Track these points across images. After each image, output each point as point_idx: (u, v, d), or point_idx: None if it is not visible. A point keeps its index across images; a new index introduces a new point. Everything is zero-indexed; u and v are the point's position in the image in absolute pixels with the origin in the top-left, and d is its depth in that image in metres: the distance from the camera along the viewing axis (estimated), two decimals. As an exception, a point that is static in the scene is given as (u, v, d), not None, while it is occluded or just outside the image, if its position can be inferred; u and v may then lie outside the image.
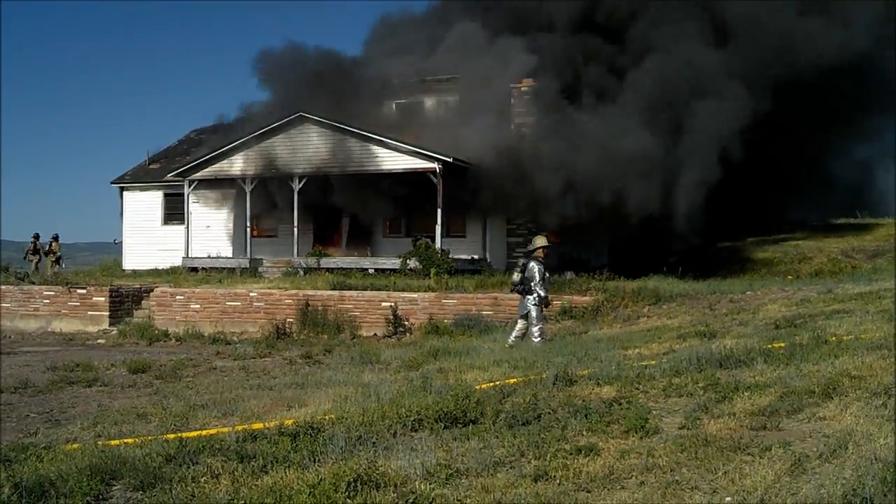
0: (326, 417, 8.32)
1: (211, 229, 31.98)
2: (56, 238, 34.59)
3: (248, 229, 29.58)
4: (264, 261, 28.89)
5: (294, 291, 23.14)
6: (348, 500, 5.55)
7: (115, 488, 6.41)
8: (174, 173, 30.37)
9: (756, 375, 8.81)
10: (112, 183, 35.04)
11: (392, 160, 27.24)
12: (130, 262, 33.16)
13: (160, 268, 30.68)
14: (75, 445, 8.04)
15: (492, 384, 9.92)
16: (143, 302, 24.82)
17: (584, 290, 21.04)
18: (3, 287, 26.04)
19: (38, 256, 33.69)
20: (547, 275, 15.75)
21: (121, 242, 34.54)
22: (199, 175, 29.96)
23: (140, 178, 34.34)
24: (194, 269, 29.02)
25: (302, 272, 26.88)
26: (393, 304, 21.54)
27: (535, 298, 15.35)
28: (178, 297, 24.12)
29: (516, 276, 15.71)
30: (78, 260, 33.80)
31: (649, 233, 26.46)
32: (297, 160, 28.48)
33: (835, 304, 15.20)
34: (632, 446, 6.63)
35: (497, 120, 27.72)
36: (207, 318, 23.28)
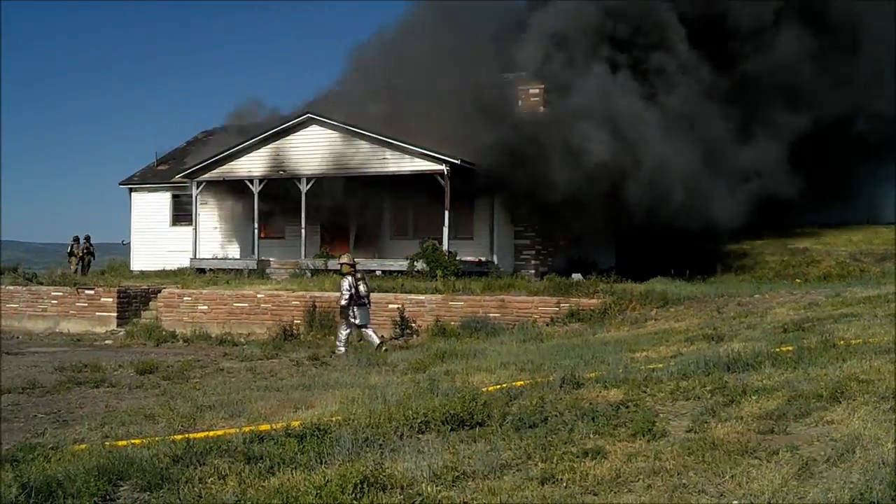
0: (333, 419, 8.33)
1: (218, 230, 32.07)
2: (88, 239, 34.86)
3: (256, 231, 29.62)
4: (272, 262, 28.93)
5: (301, 293, 23.15)
6: (355, 502, 5.55)
7: (122, 489, 6.43)
8: (182, 174, 30.45)
9: (764, 379, 8.79)
10: (121, 184, 35.17)
11: (399, 162, 27.26)
12: (138, 262, 33.26)
13: (168, 269, 30.77)
14: (83, 446, 8.06)
15: (499, 386, 9.92)
16: (150, 303, 24.88)
17: (592, 292, 21.00)
18: (10, 287, 26.12)
19: (78, 258, 33.97)
20: (359, 288, 18.19)
21: (129, 243, 34.65)
22: (207, 176, 30.02)
23: (148, 179, 34.45)
24: (202, 271, 29.08)
25: (309, 273, 26.91)
26: (400, 306, 21.55)
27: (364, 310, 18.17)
28: (185, 299, 24.17)
29: (362, 288, 18.27)
30: (86, 260, 33.85)
31: (657, 236, 26.44)
32: (304, 162, 28.53)
33: (843, 308, 15.16)
34: (639, 449, 6.62)
35: (504, 121, 27.71)
36: (215, 320, 23.32)
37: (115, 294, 24.59)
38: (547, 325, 19.52)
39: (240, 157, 29.41)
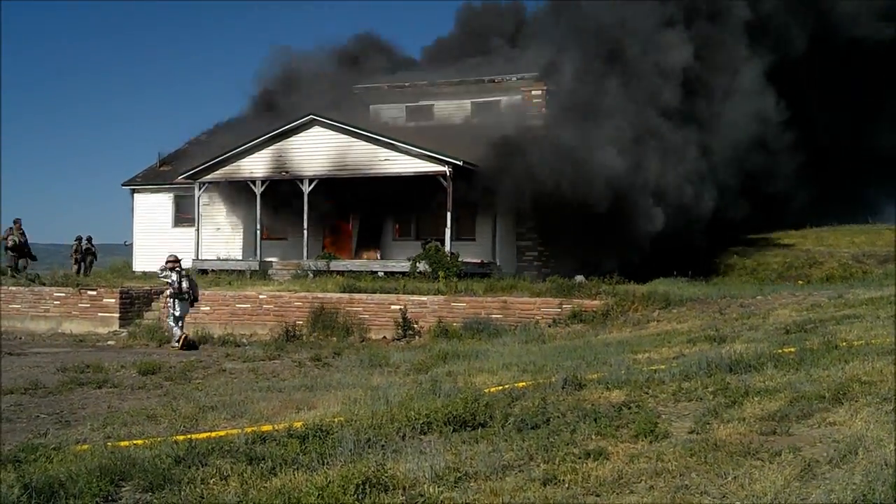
0: (335, 420, 8.34)
1: (221, 231, 32.07)
2: (89, 239, 34.82)
3: (258, 232, 29.63)
4: (274, 263, 28.95)
5: (304, 294, 23.17)
6: (357, 503, 5.55)
7: (124, 489, 6.43)
8: (184, 175, 30.44)
9: (766, 380, 8.79)
10: (123, 185, 35.16)
11: (402, 163, 27.25)
12: (141, 263, 33.23)
13: (170, 270, 30.72)
14: (85, 446, 8.07)
15: (501, 388, 9.93)
16: (153, 304, 24.89)
17: (594, 293, 21.01)
18: (13, 288, 26.14)
19: (80, 256, 33.97)
20: (181, 283, 20.53)
21: (131, 244, 34.64)
22: (209, 177, 30.03)
23: (151, 180, 34.45)
24: (204, 272, 29.07)
25: (311, 275, 26.92)
26: (402, 307, 21.55)
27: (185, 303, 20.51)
28: (187, 299, 24.14)
29: (185, 284, 20.56)
30: (88, 261, 33.87)
31: (659, 237, 26.41)
32: (307, 163, 28.53)
33: (845, 310, 15.15)
34: (641, 451, 6.62)
35: (508, 123, 27.72)
36: (217, 320, 23.33)
37: (117, 295, 24.61)
38: (549, 326, 19.53)
39: (242, 158, 29.41)
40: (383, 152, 27.45)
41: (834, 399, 7.59)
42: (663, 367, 10.44)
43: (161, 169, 34.83)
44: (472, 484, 6.03)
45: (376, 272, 26.63)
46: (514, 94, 29.35)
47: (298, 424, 8.15)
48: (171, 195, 33.44)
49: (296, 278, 26.84)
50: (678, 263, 24.75)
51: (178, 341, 20.10)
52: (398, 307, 21.59)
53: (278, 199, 29.60)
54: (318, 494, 5.66)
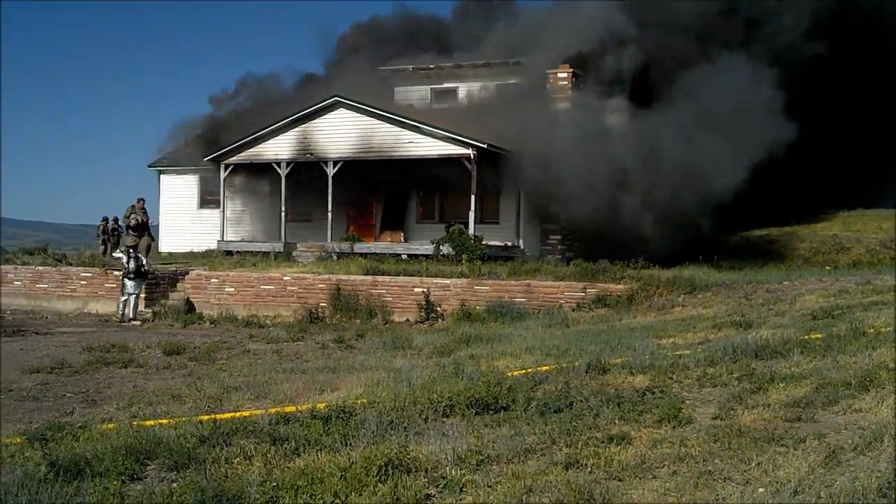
0: (358, 402, 8.36)
1: (246, 213, 32.21)
2: (116, 220, 35.01)
3: (283, 214, 29.70)
4: (298, 245, 29.03)
5: (327, 276, 23.23)
6: (379, 484, 5.57)
7: (149, 468, 6.49)
8: (209, 157, 30.53)
9: (792, 366, 8.74)
10: (149, 166, 35.36)
11: (426, 145, 27.20)
12: (166, 244, 33.46)
13: (196, 251, 30.94)
14: (111, 425, 8.15)
15: (524, 371, 9.92)
16: (178, 284, 25.05)
17: (619, 278, 20.92)
18: (40, 268, 26.39)
19: (106, 237, 34.22)
20: (129, 265, 22.62)
21: (157, 225, 34.87)
22: (234, 159, 30.12)
23: (176, 161, 34.60)
24: (229, 253, 29.23)
25: (335, 257, 26.98)
26: (425, 289, 21.56)
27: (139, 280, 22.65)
28: (212, 281, 24.32)
29: (132, 265, 22.53)
30: (113, 241, 34.15)
31: (685, 222, 26.26)
32: (331, 145, 28.55)
33: (873, 296, 15.01)
34: (664, 436, 6.59)
35: (533, 106, 27.60)
36: (241, 302, 23.45)
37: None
38: (573, 310, 19.48)
39: (267, 140, 29.47)
40: (408, 134, 27.41)
41: (860, 386, 7.53)
42: (688, 352, 10.40)
43: (187, 150, 34.94)
44: (494, 467, 6.03)
45: (400, 255, 26.66)
46: (540, 77, 29.12)
47: (322, 406, 8.19)
48: (197, 176, 33.59)
49: (320, 260, 26.91)
50: (702, 248, 24.62)
51: (123, 314, 22.38)
52: (421, 290, 21.61)
53: (303, 181, 29.66)
54: (341, 475, 5.68)
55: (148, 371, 13.21)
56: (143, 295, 23.36)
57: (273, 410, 8.18)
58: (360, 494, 5.44)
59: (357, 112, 28.15)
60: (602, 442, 6.44)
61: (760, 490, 5.23)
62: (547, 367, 10.02)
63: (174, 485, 5.86)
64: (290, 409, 8.28)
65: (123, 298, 22.57)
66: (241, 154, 29.91)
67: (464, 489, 5.61)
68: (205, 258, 28.61)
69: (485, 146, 26.14)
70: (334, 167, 28.31)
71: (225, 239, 30.44)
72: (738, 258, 26.63)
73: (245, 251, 29.08)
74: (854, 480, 5.11)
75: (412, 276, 22.56)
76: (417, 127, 27.11)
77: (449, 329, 18.20)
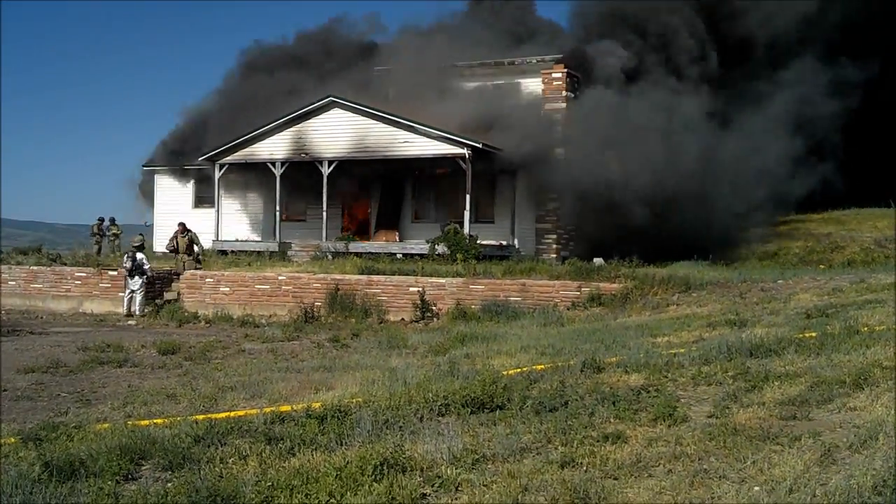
0: (353, 401, 8.35)
1: (240, 213, 32.19)
2: (113, 221, 35.07)
3: (278, 213, 29.70)
4: (293, 245, 29.03)
5: (322, 275, 23.21)
6: (374, 484, 5.56)
7: (144, 468, 6.48)
8: (204, 157, 30.53)
9: (786, 365, 8.75)
10: (144, 166, 35.33)
11: (421, 145, 27.21)
12: (161, 244, 33.38)
13: (190, 251, 30.87)
14: (105, 425, 8.13)
15: (519, 370, 9.92)
16: (173, 284, 25.02)
17: (613, 276, 20.92)
18: (35, 268, 26.34)
19: (99, 237, 34.21)
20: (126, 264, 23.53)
21: (152, 225, 34.84)
22: (229, 159, 30.12)
23: (171, 161, 34.56)
24: (224, 252, 29.22)
25: (330, 256, 26.98)
26: (420, 289, 21.54)
27: (144, 278, 23.40)
28: (207, 280, 24.29)
29: (128, 264, 23.33)
30: (112, 241, 34.15)
31: (679, 221, 26.30)
32: (326, 145, 28.56)
33: (867, 294, 15.04)
34: (660, 434, 6.59)
35: (527, 106, 27.63)
36: (237, 301, 23.43)
37: (138, 275, 24.70)
38: (568, 309, 19.48)
39: (262, 139, 29.47)
40: (403, 134, 27.42)
41: (855, 384, 7.54)
42: (683, 350, 10.41)
43: (182, 150, 34.88)
44: (489, 466, 6.03)
45: (395, 254, 26.66)
46: (534, 77, 29.14)
47: (317, 405, 8.18)
48: (192, 176, 33.56)
49: (315, 260, 26.90)
50: (698, 247, 24.62)
51: (128, 311, 23.16)
52: (416, 289, 21.59)
53: (298, 181, 29.68)
54: (337, 475, 5.68)
55: (143, 370, 13.19)
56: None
57: (268, 410, 8.17)
58: (356, 494, 5.44)
59: (352, 112, 28.17)
60: (597, 441, 6.44)
61: (756, 488, 5.24)
62: (542, 366, 10.02)
63: (169, 485, 5.85)
64: (285, 408, 8.27)
65: (128, 295, 23.30)
66: (236, 154, 29.90)
67: (459, 488, 5.60)
68: (200, 258, 28.53)
69: (479, 146, 26.15)
70: (329, 167, 28.30)
71: (220, 238, 30.41)
72: (735, 257, 26.68)
73: (240, 251, 29.07)
74: (849, 478, 5.12)
75: (407, 275, 22.55)
76: (412, 127, 27.11)
77: (444, 328, 18.20)
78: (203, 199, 33.24)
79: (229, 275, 24.28)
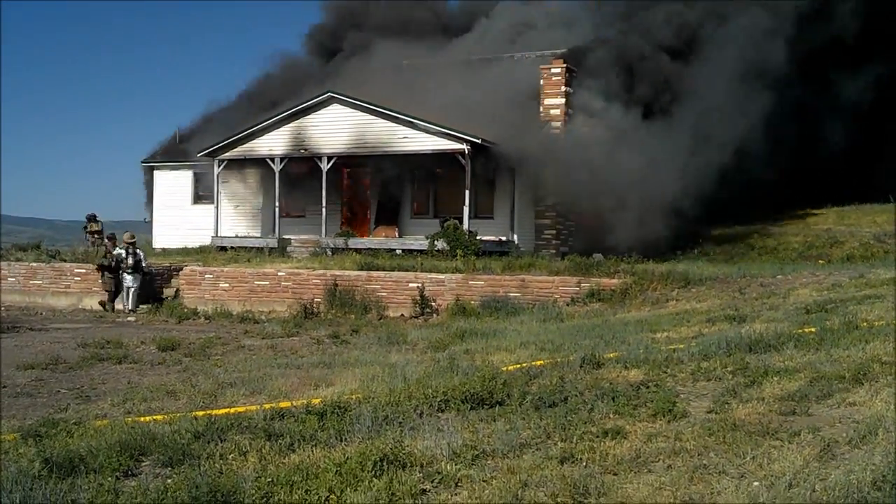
0: (353, 397, 8.36)
1: (240, 209, 32.15)
2: (93, 217, 34.08)
3: (277, 209, 29.66)
4: (292, 241, 28.99)
5: (322, 271, 23.20)
6: (374, 480, 5.57)
7: (143, 464, 6.49)
8: (203, 153, 30.48)
9: (786, 360, 8.76)
10: (143, 162, 35.29)
11: (421, 141, 27.19)
12: (160, 240, 33.41)
13: (190, 246, 30.88)
14: (105, 421, 8.13)
15: (518, 366, 9.93)
16: (172, 280, 25.01)
17: (613, 272, 20.92)
18: (34, 264, 26.33)
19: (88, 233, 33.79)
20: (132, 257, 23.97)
21: (151, 221, 34.79)
22: (228, 155, 30.08)
23: (170, 156, 34.53)
24: (223, 248, 29.18)
25: (330, 252, 26.95)
26: (420, 284, 21.55)
27: (140, 274, 23.91)
28: (207, 276, 24.28)
29: (130, 260, 23.68)
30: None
31: (679, 216, 26.31)
32: (326, 140, 28.52)
33: (866, 290, 15.05)
34: (659, 430, 6.60)
35: (526, 101, 27.62)
36: (236, 297, 23.42)
37: (137, 271, 24.70)
38: (567, 305, 19.49)
39: (261, 135, 29.42)
40: (402, 130, 27.38)
41: (854, 379, 7.55)
42: (682, 346, 10.42)
43: (180, 146, 34.90)
44: (489, 462, 6.04)
45: (394, 250, 26.64)
46: (534, 72, 29.11)
47: (317, 401, 8.19)
48: (191, 172, 33.52)
49: (314, 256, 26.88)
50: (697, 242, 24.66)
51: (111, 306, 23.80)
52: (416, 285, 21.59)
53: (297, 177, 29.62)
54: (336, 471, 5.69)
55: (142, 367, 13.19)
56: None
57: (268, 406, 8.18)
58: (356, 490, 5.45)
59: (351, 107, 28.12)
60: (597, 436, 6.45)
61: (755, 484, 5.24)
62: (541, 362, 10.03)
63: (168, 481, 5.85)
64: (284, 404, 8.28)
65: (126, 292, 23.78)
66: (236, 149, 29.86)
67: (459, 484, 5.61)
68: (199, 254, 28.55)
69: (479, 141, 26.12)
70: (328, 162, 28.27)
71: (219, 234, 30.38)
72: (734, 251, 26.69)
73: (239, 247, 29.03)
74: (849, 474, 5.13)
75: (407, 271, 22.55)
76: (412, 122, 27.08)
77: (444, 324, 18.21)
78: (202, 195, 33.20)
79: (228, 271, 24.27)
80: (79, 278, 25.38)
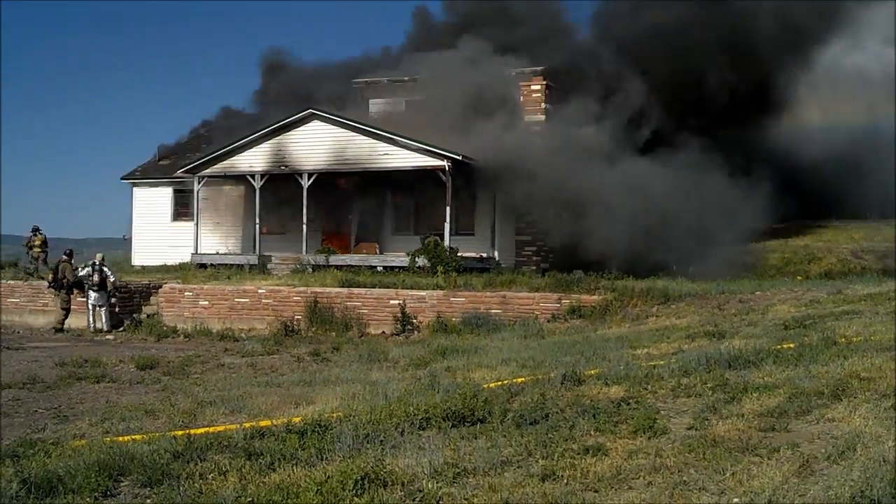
0: (334, 415, 8.33)
1: (220, 226, 32.04)
2: (37, 230, 30.11)
3: (257, 226, 29.58)
4: (273, 258, 28.92)
5: (302, 288, 23.15)
6: (355, 499, 5.55)
7: (122, 484, 6.43)
8: (183, 169, 30.39)
9: (765, 376, 8.80)
10: (122, 179, 35.12)
11: (401, 158, 27.22)
12: (140, 258, 33.22)
13: (169, 264, 30.70)
14: (83, 441, 8.07)
15: (500, 383, 9.93)
16: (151, 298, 24.87)
17: (593, 289, 21.00)
18: (11, 282, 26.12)
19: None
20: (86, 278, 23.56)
21: (130, 238, 34.61)
22: (208, 171, 30.00)
23: (150, 174, 34.39)
24: (203, 266, 29.05)
25: (311, 269, 26.88)
26: (401, 301, 21.53)
27: (106, 292, 23.50)
28: (186, 294, 24.16)
29: (95, 277, 23.34)
30: (87, 256, 33.48)
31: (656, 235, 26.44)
32: (306, 157, 28.50)
33: (844, 305, 15.17)
34: (640, 446, 6.62)
35: (506, 118, 27.74)
36: (216, 315, 23.30)
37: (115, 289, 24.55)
38: (548, 321, 19.53)
39: (241, 152, 29.36)
40: (383, 146, 27.42)
41: (833, 395, 7.60)
42: (662, 362, 10.45)
43: (160, 163, 34.79)
44: (470, 479, 6.03)
45: (375, 267, 26.63)
46: (513, 89, 29.25)
47: (297, 420, 8.15)
48: (171, 189, 33.37)
49: (295, 273, 26.81)
50: (676, 258, 24.75)
51: (92, 325, 23.34)
52: (397, 302, 21.58)
53: (277, 194, 29.57)
54: (317, 490, 5.66)
55: (121, 386, 13.09)
56: (117, 309, 23.98)
57: (248, 425, 8.13)
58: (337, 509, 5.42)
59: (332, 124, 28.14)
60: (578, 453, 6.45)
61: (735, 500, 5.27)
62: (522, 379, 10.03)
63: (148, 501, 5.82)
64: (265, 423, 8.24)
65: (92, 310, 23.45)
66: (216, 166, 29.78)
67: (440, 502, 5.60)
68: (178, 271, 28.40)
69: (459, 158, 26.20)
70: (309, 179, 28.25)
71: (199, 252, 30.25)
72: (713, 268, 26.80)
73: (219, 264, 28.90)
74: (828, 489, 5.16)
75: (388, 288, 22.53)
76: (392, 139, 27.12)
77: (425, 341, 18.19)
78: (182, 212, 33.06)
79: (208, 288, 24.17)
80: (57, 297, 25.17)
